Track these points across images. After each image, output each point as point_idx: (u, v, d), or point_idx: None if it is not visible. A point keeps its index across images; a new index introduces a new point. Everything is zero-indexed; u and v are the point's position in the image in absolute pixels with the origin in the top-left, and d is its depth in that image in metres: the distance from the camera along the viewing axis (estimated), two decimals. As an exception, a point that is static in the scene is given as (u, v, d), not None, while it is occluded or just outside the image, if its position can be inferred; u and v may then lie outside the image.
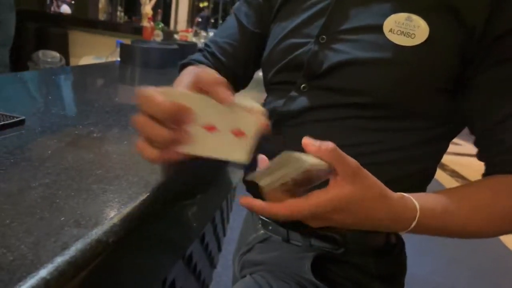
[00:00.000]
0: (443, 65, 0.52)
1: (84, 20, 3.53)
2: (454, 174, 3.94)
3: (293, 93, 0.61)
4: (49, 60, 2.47)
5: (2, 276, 0.29)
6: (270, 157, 0.63)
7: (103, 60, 3.33)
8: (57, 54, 2.58)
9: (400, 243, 0.66)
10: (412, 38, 0.51)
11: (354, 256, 0.61)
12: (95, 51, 3.45)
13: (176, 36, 2.69)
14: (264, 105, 0.69)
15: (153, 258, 0.50)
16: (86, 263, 0.34)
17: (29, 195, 0.40)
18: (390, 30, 0.52)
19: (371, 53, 0.53)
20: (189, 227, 0.61)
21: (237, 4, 0.75)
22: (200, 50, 0.73)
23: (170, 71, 1.36)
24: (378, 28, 0.53)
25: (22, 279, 0.29)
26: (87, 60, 3.28)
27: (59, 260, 0.32)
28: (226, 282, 1.83)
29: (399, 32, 0.52)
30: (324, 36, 0.59)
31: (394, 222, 0.46)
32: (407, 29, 0.52)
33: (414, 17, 0.52)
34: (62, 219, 0.37)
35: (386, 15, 0.53)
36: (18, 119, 0.60)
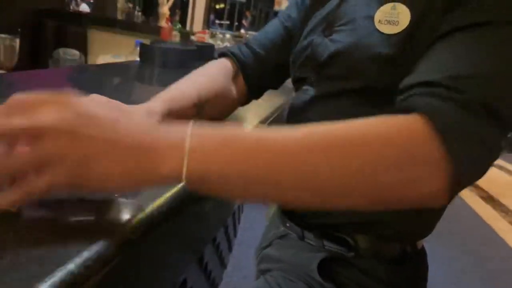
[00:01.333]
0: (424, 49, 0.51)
1: (103, 19, 3.58)
2: (475, 189, 3.78)
3: (305, 87, 0.66)
4: (69, 58, 2.51)
5: (33, 269, 0.30)
6: None
7: (121, 59, 3.37)
8: (77, 52, 2.62)
9: (419, 254, 0.66)
10: (396, 26, 0.53)
11: (365, 261, 0.62)
12: (113, 50, 3.50)
13: (192, 37, 2.71)
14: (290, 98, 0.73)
15: (173, 255, 0.51)
16: (110, 258, 0.34)
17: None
18: (379, 21, 0.55)
19: (362, 40, 0.56)
20: (207, 224, 0.62)
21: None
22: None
23: (188, 71, 1.37)
24: (370, 19, 0.56)
25: (51, 272, 0.30)
26: (105, 58, 3.33)
27: (86, 254, 0.32)
28: (236, 282, 1.83)
29: (385, 22, 0.54)
30: (328, 31, 0.62)
31: (163, 136, 0.36)
32: (392, 18, 0.54)
33: (398, 5, 0.54)
34: (88, 213, 0.38)
35: (376, 7, 0.56)
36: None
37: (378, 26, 0.55)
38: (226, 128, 0.38)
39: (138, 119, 0.38)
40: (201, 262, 0.89)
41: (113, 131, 0.35)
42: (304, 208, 0.42)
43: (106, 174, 0.34)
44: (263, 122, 0.86)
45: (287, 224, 0.69)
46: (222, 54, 0.76)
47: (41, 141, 0.32)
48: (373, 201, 0.39)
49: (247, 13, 7.60)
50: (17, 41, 2.70)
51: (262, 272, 0.71)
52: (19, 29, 2.75)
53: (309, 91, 0.64)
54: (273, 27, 0.77)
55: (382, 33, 0.54)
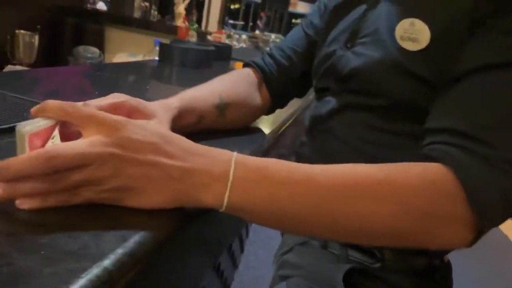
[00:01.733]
0: (449, 68, 0.52)
1: (120, 17, 3.61)
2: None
3: (327, 98, 0.66)
4: (89, 55, 2.54)
5: (70, 264, 0.30)
6: (306, 161, 0.64)
7: (137, 58, 3.40)
8: (97, 50, 2.66)
9: (445, 268, 0.65)
10: (417, 43, 0.53)
11: (392, 274, 0.60)
12: (130, 48, 3.53)
13: (209, 37, 2.72)
14: (311, 108, 0.73)
15: (195, 258, 0.51)
16: (144, 256, 0.35)
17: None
18: (401, 37, 0.55)
19: (386, 56, 0.56)
20: (228, 224, 0.62)
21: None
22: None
23: (207, 71, 1.38)
24: (392, 33, 0.56)
25: (88, 268, 0.30)
26: (121, 57, 3.35)
27: (120, 251, 0.33)
28: (247, 281, 1.84)
29: (407, 38, 0.54)
30: (350, 42, 0.62)
31: (207, 159, 0.38)
32: (412, 34, 0.54)
33: (416, 21, 0.54)
34: (114, 211, 0.39)
35: (397, 22, 0.56)
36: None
37: (401, 42, 0.55)
38: (268, 162, 0.41)
39: (178, 143, 0.39)
40: (214, 263, 0.89)
41: (157, 155, 0.37)
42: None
43: (146, 197, 0.37)
44: (280, 126, 0.86)
45: None
46: (246, 65, 0.77)
47: (93, 165, 0.35)
48: (400, 243, 0.43)
49: (262, 14, 7.60)
50: (36, 37, 2.74)
51: (281, 278, 0.71)
52: (38, 26, 2.79)
53: (331, 102, 0.64)
54: (295, 36, 0.78)
55: (405, 49, 0.54)
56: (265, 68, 0.75)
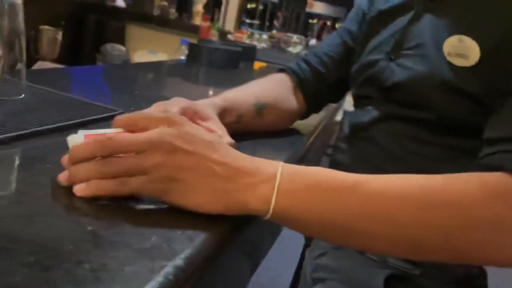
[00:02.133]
0: (501, 84, 0.52)
1: (141, 14, 3.64)
2: None
3: (368, 107, 0.66)
4: (116, 53, 2.58)
5: (145, 263, 0.31)
6: (343, 168, 0.65)
7: (157, 55, 3.43)
8: (123, 48, 2.69)
9: (482, 275, 0.65)
10: (467, 59, 0.53)
11: (431, 281, 0.60)
12: (149, 46, 3.56)
13: (229, 36, 2.74)
14: (350, 114, 0.73)
15: (252, 256, 0.52)
16: (210, 255, 0.36)
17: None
18: (448, 53, 0.55)
19: (433, 70, 0.56)
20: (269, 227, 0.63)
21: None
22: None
23: (234, 72, 1.39)
24: (439, 48, 0.56)
25: (164, 266, 0.31)
26: (141, 54, 3.39)
27: (190, 251, 0.34)
28: (264, 282, 1.85)
29: (455, 55, 0.54)
30: (394, 53, 0.62)
31: (253, 164, 0.38)
32: (461, 51, 0.54)
33: (465, 38, 0.54)
34: (180, 211, 0.40)
35: (445, 37, 0.56)
36: (117, 112, 0.63)
37: (449, 58, 0.55)
38: (316, 169, 0.40)
39: (229, 148, 0.40)
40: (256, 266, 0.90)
41: (208, 150, 0.38)
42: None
43: (190, 193, 0.37)
44: (313, 130, 0.86)
45: None
46: (281, 70, 0.78)
47: (145, 152, 0.37)
48: (460, 259, 0.41)
49: (279, 14, 7.60)
50: (60, 33, 2.78)
51: (316, 281, 0.71)
52: (62, 22, 2.83)
53: (373, 111, 0.64)
54: (331, 42, 0.78)
55: (454, 65, 0.54)
56: (300, 73, 0.76)
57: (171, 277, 0.31)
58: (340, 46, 0.77)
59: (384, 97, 0.63)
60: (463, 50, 0.54)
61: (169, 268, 0.31)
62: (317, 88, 0.76)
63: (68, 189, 0.39)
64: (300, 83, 0.76)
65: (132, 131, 0.40)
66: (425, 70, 0.57)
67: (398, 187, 0.39)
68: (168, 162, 0.36)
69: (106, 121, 0.61)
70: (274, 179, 0.38)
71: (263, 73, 1.63)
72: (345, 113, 2.73)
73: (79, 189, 0.37)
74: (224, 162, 0.38)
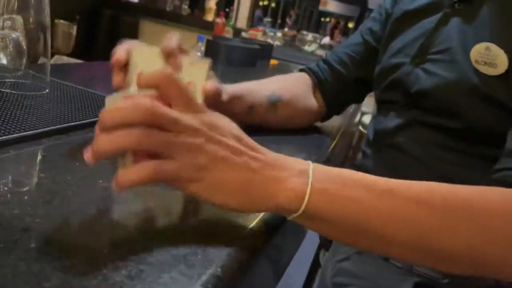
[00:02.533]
0: None
1: (155, 10, 3.64)
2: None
3: (392, 113, 0.64)
4: (132, 48, 2.58)
5: (183, 269, 0.30)
6: (367, 173, 0.63)
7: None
8: (138, 43, 2.69)
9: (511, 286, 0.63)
10: (495, 68, 0.52)
11: None
12: (162, 41, 3.56)
13: (244, 34, 2.72)
14: (374, 119, 0.71)
15: (277, 264, 0.51)
16: (246, 263, 0.34)
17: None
18: (476, 61, 0.53)
19: (459, 77, 0.54)
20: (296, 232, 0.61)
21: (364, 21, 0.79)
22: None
23: (252, 70, 1.38)
24: (466, 54, 0.54)
25: (201, 275, 0.30)
26: (154, 50, 3.39)
27: (227, 258, 0.33)
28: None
29: (483, 63, 0.53)
30: (419, 58, 0.60)
31: (284, 160, 0.37)
32: (488, 59, 0.52)
33: (492, 46, 0.52)
34: (213, 217, 0.38)
35: (472, 43, 0.54)
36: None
37: (476, 65, 0.53)
38: (344, 171, 0.38)
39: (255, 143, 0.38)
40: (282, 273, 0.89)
41: (239, 143, 0.36)
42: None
43: (223, 181, 0.34)
44: (337, 132, 0.85)
45: None
46: (301, 70, 0.77)
47: (180, 133, 0.33)
48: (477, 272, 0.40)
49: (292, 12, 7.56)
50: (75, 28, 2.79)
51: (336, 286, 0.70)
52: (77, 17, 2.84)
53: (398, 117, 0.62)
54: (352, 42, 0.77)
55: (482, 73, 0.53)
56: (319, 73, 0.75)
57: (210, 285, 0.29)
58: (361, 46, 0.75)
59: (409, 102, 0.61)
60: (490, 58, 0.52)
61: (207, 276, 0.30)
62: (336, 88, 0.75)
63: (98, 188, 0.38)
64: (319, 83, 0.75)
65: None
66: (453, 77, 0.55)
67: (425, 196, 0.38)
68: (205, 148, 0.33)
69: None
70: (307, 174, 0.36)
71: (276, 70, 1.62)
72: (364, 115, 2.70)
73: (119, 180, 0.32)
74: (255, 156, 0.36)
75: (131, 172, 0.32)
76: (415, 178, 0.49)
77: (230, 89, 0.58)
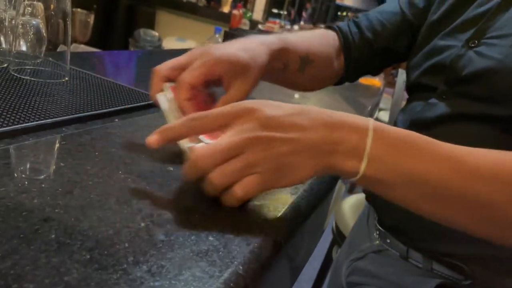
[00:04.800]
0: None
1: (170, 0, 3.63)
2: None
3: (433, 100, 0.58)
4: (149, 39, 2.57)
5: (204, 267, 0.29)
6: None
7: (185, 42, 3.42)
8: (156, 34, 2.69)
9: None
10: None
11: None
12: (178, 32, 3.56)
13: (260, 26, 2.70)
14: (404, 108, 0.66)
15: (295, 260, 0.50)
16: (267, 261, 0.33)
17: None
18: None
19: None
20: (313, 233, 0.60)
21: None
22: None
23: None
24: None
25: (222, 272, 0.29)
26: (170, 41, 3.39)
27: (249, 255, 0.32)
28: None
29: None
30: (475, 40, 0.55)
31: (348, 122, 0.37)
32: None
33: None
34: (234, 212, 0.37)
35: None
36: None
37: None
38: (408, 132, 0.39)
39: (311, 114, 0.38)
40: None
41: (295, 126, 0.37)
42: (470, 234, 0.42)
43: (295, 173, 0.37)
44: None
45: (388, 240, 0.64)
46: (329, 27, 0.73)
47: (241, 154, 0.36)
48: None
49: (308, 5, 7.47)
50: (92, 17, 2.79)
51: (351, 285, 0.68)
52: (94, 6, 2.84)
53: (439, 106, 0.57)
54: (388, 9, 0.71)
55: None
56: (348, 35, 0.71)
57: (231, 284, 0.29)
58: (397, 16, 0.70)
59: (455, 90, 0.56)
60: None
61: (228, 274, 0.29)
62: (361, 54, 0.71)
63: (118, 179, 0.37)
64: (346, 45, 0.71)
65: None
66: (510, 61, 0.50)
67: (490, 166, 0.38)
68: (269, 153, 0.36)
69: (147, 109, 0.59)
70: (366, 131, 0.37)
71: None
72: (381, 111, 2.66)
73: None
74: (315, 129, 0.37)
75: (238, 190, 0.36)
76: None
77: (276, 44, 0.55)
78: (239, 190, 0.36)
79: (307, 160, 0.37)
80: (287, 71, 0.61)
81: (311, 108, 0.39)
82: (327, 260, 1.42)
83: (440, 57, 0.59)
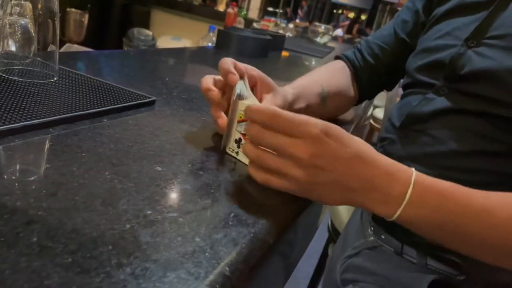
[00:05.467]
0: None
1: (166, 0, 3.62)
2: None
3: (430, 95, 0.60)
4: (142, 38, 2.56)
5: (189, 268, 0.29)
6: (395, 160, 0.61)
7: (180, 41, 3.41)
8: (150, 33, 2.67)
9: None
10: None
11: (477, 287, 0.56)
12: (173, 31, 3.54)
13: (255, 24, 2.69)
14: (399, 104, 0.68)
15: (286, 259, 0.50)
16: (254, 261, 0.33)
17: (189, 179, 0.41)
18: None
19: None
20: (306, 231, 0.60)
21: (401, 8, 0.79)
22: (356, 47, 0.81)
23: (262, 60, 1.35)
24: None
25: (208, 274, 0.29)
26: (165, 40, 3.37)
27: (236, 256, 0.31)
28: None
29: None
30: (473, 40, 0.57)
31: (387, 178, 0.41)
32: None
33: None
34: (222, 212, 0.37)
35: None
36: (150, 99, 0.61)
37: None
38: (447, 186, 0.43)
39: (366, 163, 0.41)
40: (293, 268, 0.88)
41: (346, 167, 0.40)
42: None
43: (323, 197, 0.42)
44: (351, 123, 0.83)
45: (382, 236, 0.64)
46: (338, 57, 0.81)
47: (297, 138, 0.39)
48: None
49: (303, 3, 7.47)
50: (86, 16, 2.79)
51: (346, 282, 0.68)
52: (88, 5, 2.83)
53: (436, 101, 0.58)
54: (386, 32, 0.77)
55: None
56: (355, 63, 0.78)
57: (217, 285, 0.28)
58: (393, 38, 0.76)
59: (453, 86, 0.57)
60: None
61: (214, 275, 0.29)
62: (369, 78, 0.78)
63: (104, 181, 0.37)
64: (355, 73, 0.78)
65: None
66: (509, 62, 0.51)
67: None
68: (306, 179, 0.40)
69: (138, 108, 0.58)
70: (404, 197, 0.41)
71: (288, 62, 1.59)
72: (376, 109, 2.66)
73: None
74: (360, 179, 0.40)
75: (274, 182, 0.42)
76: (448, 168, 0.56)
77: (291, 90, 0.61)
78: (276, 183, 0.41)
79: (339, 196, 0.41)
80: (311, 109, 0.66)
81: (370, 155, 0.42)
82: (324, 257, 1.42)
83: (439, 55, 0.60)
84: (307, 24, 5.33)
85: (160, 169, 0.42)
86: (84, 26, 2.77)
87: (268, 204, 0.41)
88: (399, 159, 0.61)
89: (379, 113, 2.57)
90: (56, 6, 0.59)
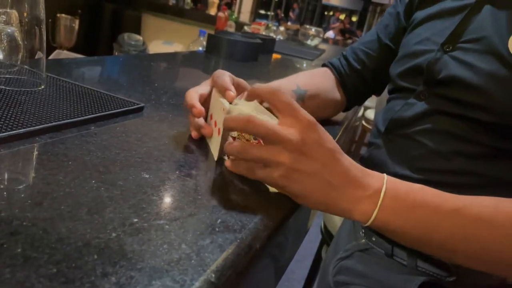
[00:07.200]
0: None
1: (157, 4, 3.61)
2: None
3: (412, 100, 0.61)
4: (133, 43, 2.55)
5: (175, 276, 0.29)
6: (376, 165, 0.62)
7: (172, 46, 3.40)
8: (140, 38, 2.67)
9: None
10: None
11: None
12: (164, 36, 3.54)
13: (246, 28, 2.69)
14: (384, 109, 0.69)
15: (277, 262, 0.50)
16: (243, 268, 0.33)
17: (174, 186, 0.41)
18: None
19: (495, 68, 0.52)
20: (297, 232, 0.60)
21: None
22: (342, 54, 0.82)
23: (253, 64, 1.36)
24: (503, 45, 0.52)
25: (194, 281, 0.29)
26: (156, 44, 3.37)
27: (222, 262, 0.31)
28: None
29: None
30: (449, 45, 0.58)
31: (363, 173, 0.44)
32: None
33: None
34: (209, 219, 0.37)
35: (508, 33, 0.52)
36: (138, 105, 0.61)
37: None
38: (418, 188, 0.44)
39: (344, 158, 0.44)
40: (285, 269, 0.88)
41: (328, 159, 0.42)
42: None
43: (305, 191, 0.42)
44: (341, 126, 0.83)
45: (373, 239, 0.65)
46: (324, 65, 0.82)
47: (275, 147, 0.41)
48: None
49: (295, 5, 7.50)
50: (77, 22, 2.77)
51: (338, 284, 0.68)
52: (79, 11, 2.82)
53: (417, 106, 0.59)
54: (369, 38, 0.78)
55: None
56: (340, 69, 0.79)
57: (202, 291, 0.28)
58: (377, 43, 0.77)
59: (432, 90, 0.58)
60: None
61: (200, 282, 0.29)
62: (356, 84, 0.79)
63: (91, 189, 0.37)
64: (341, 79, 0.79)
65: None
66: (488, 68, 0.52)
67: (490, 215, 0.43)
68: (291, 164, 0.41)
69: (126, 115, 0.58)
70: (378, 196, 0.43)
71: (279, 65, 1.60)
72: (367, 110, 2.67)
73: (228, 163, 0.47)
74: (339, 173, 0.42)
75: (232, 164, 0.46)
76: (431, 171, 0.57)
77: None
78: (259, 173, 0.43)
79: (318, 191, 0.42)
80: None
81: (343, 158, 0.44)
82: (317, 260, 1.42)
83: (417, 60, 0.62)
84: (298, 26, 5.35)
85: (147, 176, 0.42)
86: (74, 32, 2.75)
87: (256, 209, 0.41)
88: (385, 163, 0.62)
89: (371, 114, 2.58)
90: (42, 13, 0.59)
